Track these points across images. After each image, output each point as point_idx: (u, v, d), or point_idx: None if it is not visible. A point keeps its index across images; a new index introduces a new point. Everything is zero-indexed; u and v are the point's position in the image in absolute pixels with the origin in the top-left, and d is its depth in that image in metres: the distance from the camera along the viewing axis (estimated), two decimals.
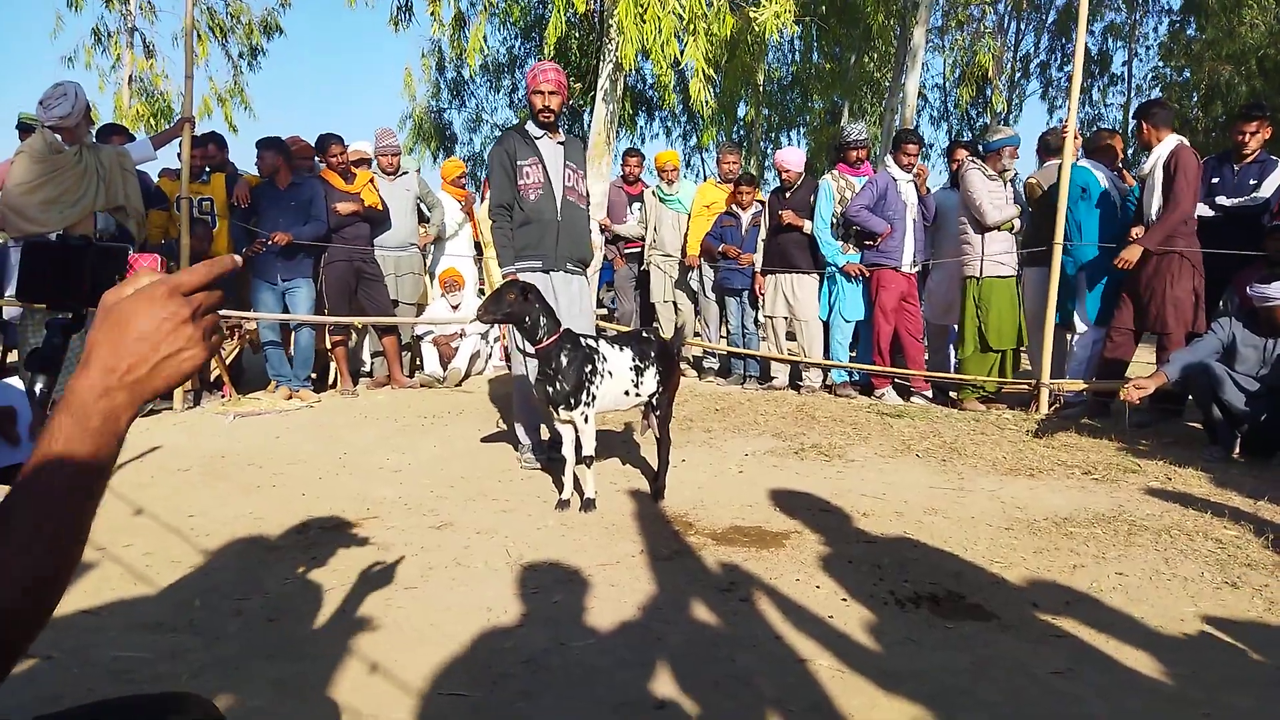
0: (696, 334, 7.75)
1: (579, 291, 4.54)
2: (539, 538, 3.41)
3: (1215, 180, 5.68)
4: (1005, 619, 2.65)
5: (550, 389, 3.76)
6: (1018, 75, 22.10)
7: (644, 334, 4.13)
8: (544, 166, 4.40)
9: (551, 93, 4.37)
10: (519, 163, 4.37)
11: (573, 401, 3.76)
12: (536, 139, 4.43)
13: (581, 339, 3.84)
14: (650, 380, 3.98)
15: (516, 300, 3.68)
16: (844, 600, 2.80)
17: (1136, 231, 5.64)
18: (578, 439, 3.85)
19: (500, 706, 2.13)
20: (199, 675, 2.26)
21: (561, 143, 4.50)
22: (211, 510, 3.71)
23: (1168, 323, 5.44)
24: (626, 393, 3.93)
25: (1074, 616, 2.66)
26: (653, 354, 4.00)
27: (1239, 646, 2.48)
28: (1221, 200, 5.60)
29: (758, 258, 7.03)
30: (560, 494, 3.88)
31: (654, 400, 4.04)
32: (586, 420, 3.80)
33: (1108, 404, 5.76)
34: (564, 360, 3.73)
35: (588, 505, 3.77)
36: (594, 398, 3.80)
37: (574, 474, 3.92)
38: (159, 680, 2.23)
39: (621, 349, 3.94)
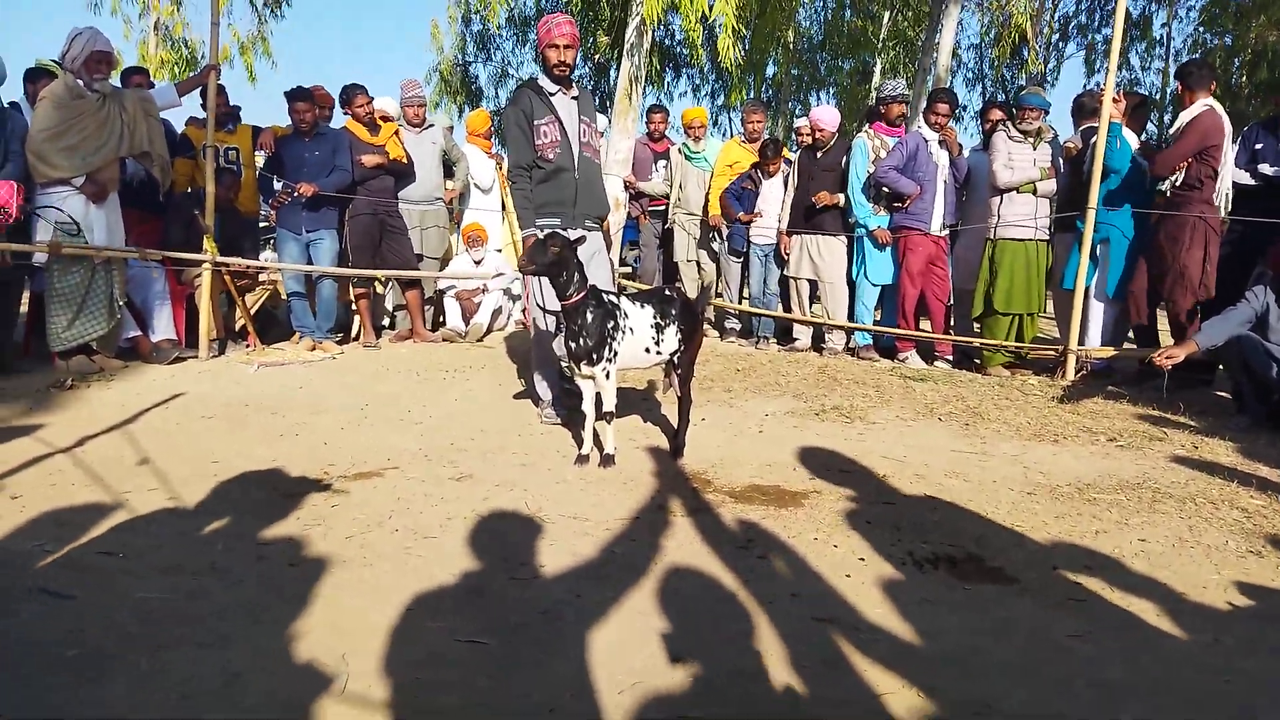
0: (719, 294, 7.69)
1: (598, 248, 4.49)
2: (558, 492, 3.42)
3: (1259, 147, 5.52)
4: (1024, 582, 2.63)
5: (574, 344, 3.75)
6: (1056, 37, 21.57)
7: (667, 292, 4.09)
8: (560, 123, 4.29)
9: (567, 46, 4.23)
10: (536, 121, 4.25)
11: (595, 357, 3.74)
12: (551, 95, 4.31)
13: (605, 295, 3.82)
14: (671, 338, 3.95)
15: (561, 252, 3.65)
16: (861, 560, 2.79)
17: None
18: (599, 395, 3.84)
19: (517, 655, 2.14)
20: (221, 617, 2.29)
21: (575, 97, 4.39)
22: (234, 457, 3.75)
23: (1173, 290, 5.36)
24: (647, 350, 3.90)
25: (1095, 582, 2.64)
26: (674, 312, 3.96)
27: (1261, 614, 2.45)
28: (1264, 169, 5.44)
29: (784, 217, 6.94)
30: (580, 449, 3.88)
31: (675, 359, 4.01)
32: (608, 376, 3.78)
33: (1151, 371, 5.53)
34: (589, 316, 3.72)
35: (607, 461, 3.77)
36: (616, 354, 3.78)
37: (594, 429, 3.92)
38: (181, 621, 2.26)
39: (643, 306, 3.91)
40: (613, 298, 3.85)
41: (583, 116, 4.39)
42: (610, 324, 3.75)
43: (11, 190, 5.09)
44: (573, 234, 4.05)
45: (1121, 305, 5.90)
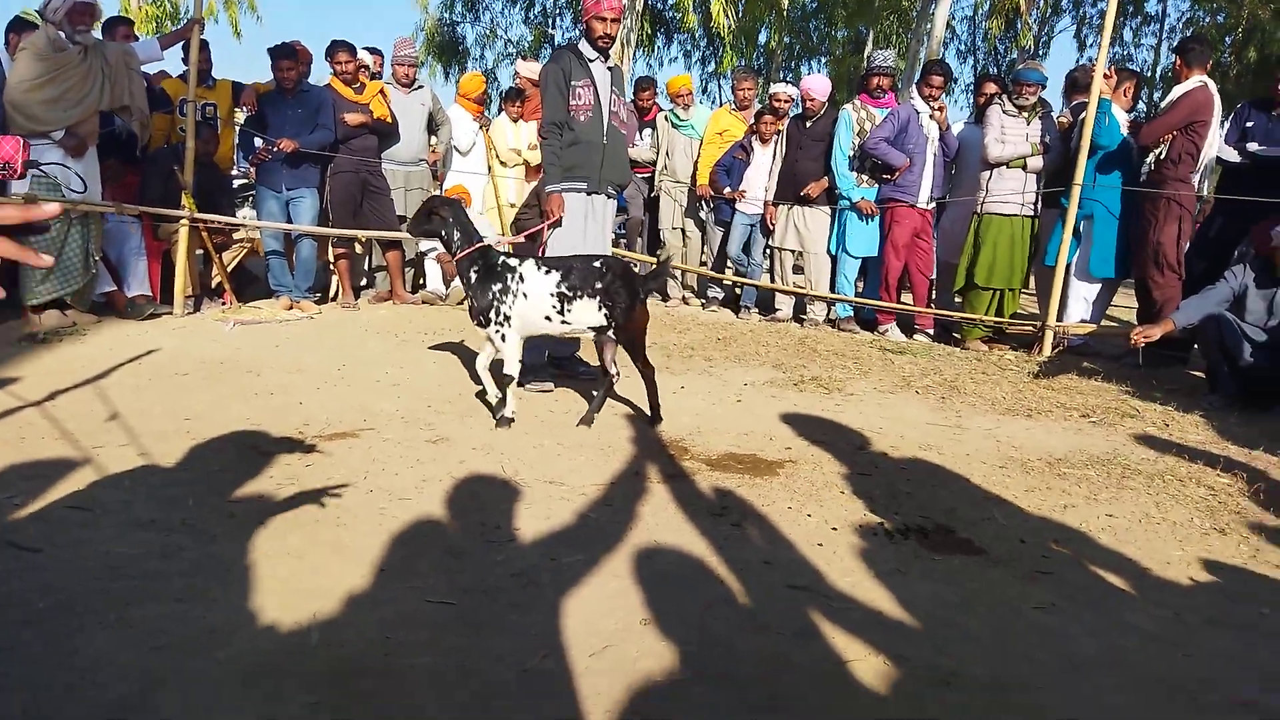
0: (704, 262, 7.67)
1: (609, 215, 4.67)
2: (535, 456, 3.42)
3: (1250, 125, 5.54)
4: (994, 554, 2.67)
5: (470, 303, 3.84)
6: (1049, 11, 21.47)
7: (596, 263, 3.87)
8: (595, 89, 4.40)
9: (613, 20, 4.34)
10: (573, 83, 4.36)
11: (484, 319, 3.78)
12: (590, 61, 4.41)
13: (499, 256, 3.82)
14: (585, 311, 3.78)
15: (436, 218, 3.78)
16: (834, 529, 2.81)
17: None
18: (501, 356, 3.87)
19: (491, 617, 2.15)
20: (191, 574, 2.28)
21: (610, 68, 4.51)
22: (208, 414, 3.72)
23: (1146, 266, 5.42)
24: (548, 318, 3.82)
25: (1062, 555, 2.68)
26: (599, 285, 3.76)
27: (1223, 591, 2.50)
28: (1251, 146, 5.46)
29: (771, 187, 6.91)
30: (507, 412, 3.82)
31: (609, 333, 3.86)
32: (504, 339, 3.78)
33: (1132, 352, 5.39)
34: (472, 276, 3.76)
35: (502, 422, 3.76)
36: (506, 318, 3.76)
37: (511, 396, 3.84)
38: (152, 577, 2.25)
39: (548, 273, 3.80)
40: (509, 260, 3.84)
41: (614, 88, 4.51)
42: (497, 286, 3.75)
43: (17, 146, 4.98)
44: (596, 199, 4.42)
45: (1103, 282, 5.94)
